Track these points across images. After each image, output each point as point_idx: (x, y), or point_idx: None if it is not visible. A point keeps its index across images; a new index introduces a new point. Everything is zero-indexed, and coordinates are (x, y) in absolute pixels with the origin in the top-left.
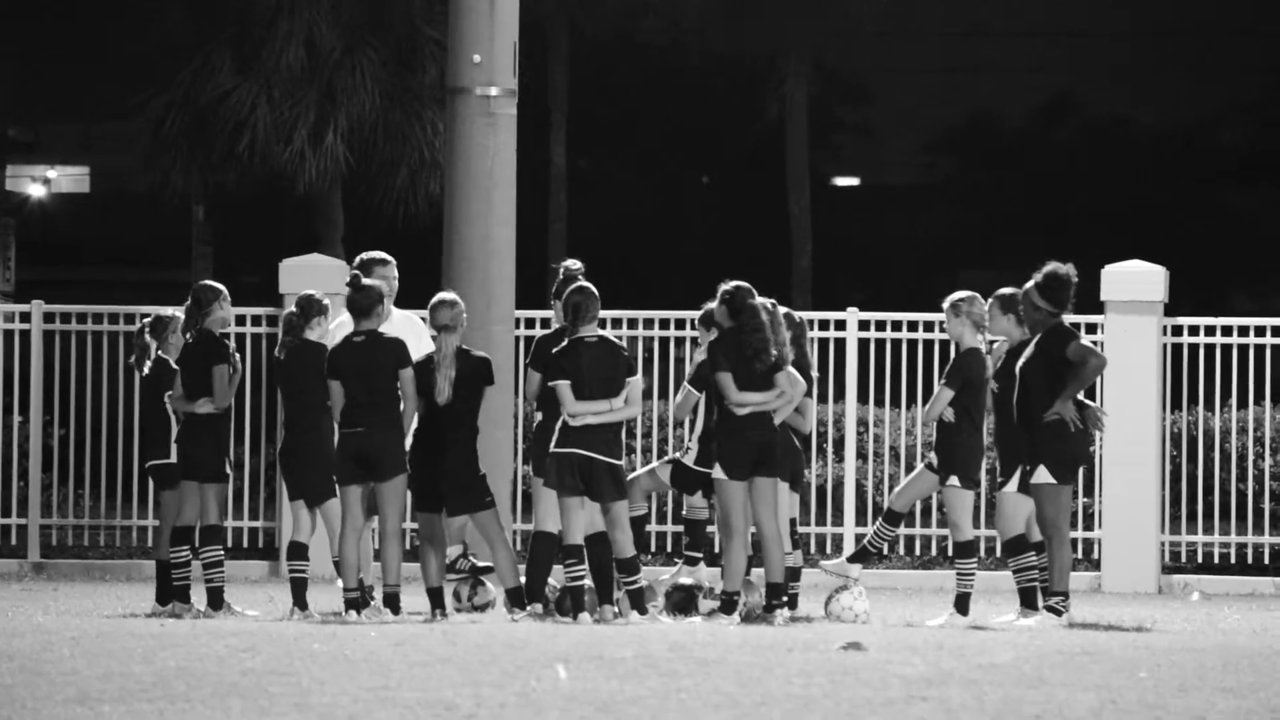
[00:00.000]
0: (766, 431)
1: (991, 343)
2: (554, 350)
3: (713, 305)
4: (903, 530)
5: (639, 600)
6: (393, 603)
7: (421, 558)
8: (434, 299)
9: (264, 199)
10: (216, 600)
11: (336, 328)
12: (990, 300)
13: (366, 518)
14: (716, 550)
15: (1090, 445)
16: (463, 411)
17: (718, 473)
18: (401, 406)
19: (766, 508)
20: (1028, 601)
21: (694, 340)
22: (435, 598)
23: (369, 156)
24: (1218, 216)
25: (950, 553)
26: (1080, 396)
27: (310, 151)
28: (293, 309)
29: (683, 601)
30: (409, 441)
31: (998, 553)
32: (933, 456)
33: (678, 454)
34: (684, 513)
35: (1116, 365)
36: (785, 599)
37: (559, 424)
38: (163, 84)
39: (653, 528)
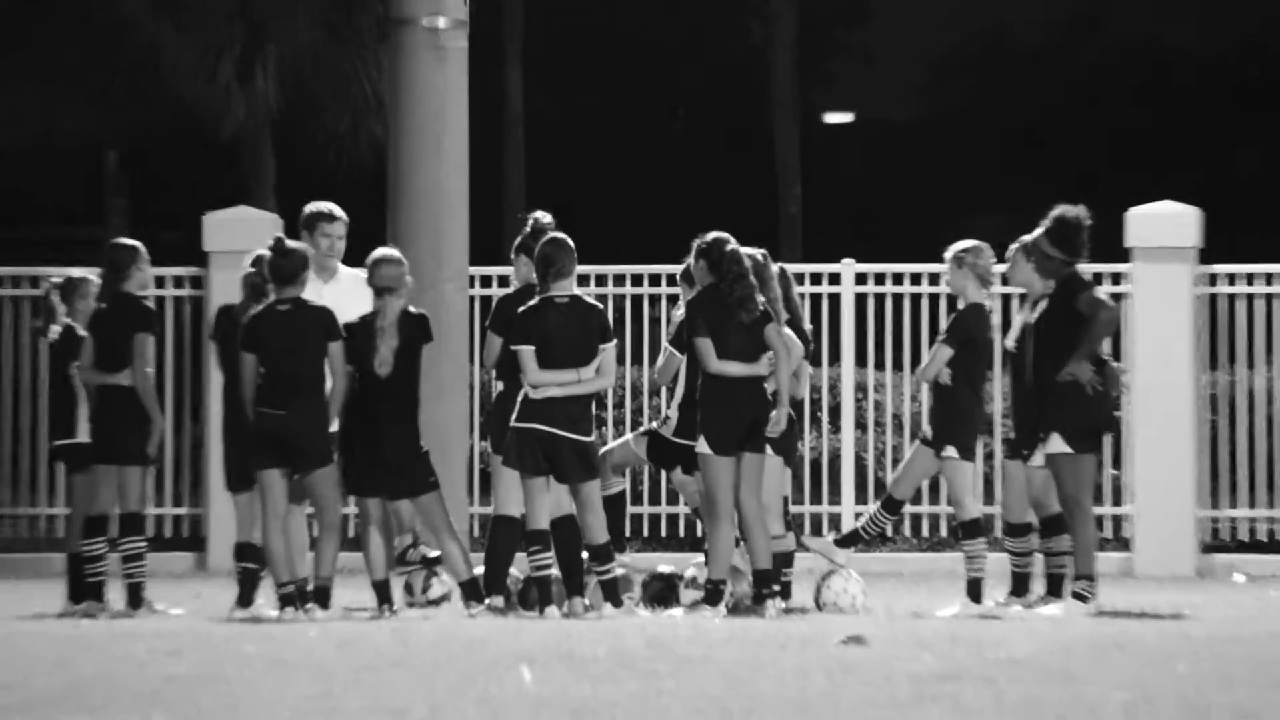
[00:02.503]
0: (758, 402)
1: (1013, 298)
2: (519, 310)
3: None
4: (908, 508)
5: (613, 591)
6: (322, 597)
7: (364, 548)
8: (372, 256)
9: (185, 145)
10: (136, 598)
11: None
12: (1014, 247)
13: (296, 502)
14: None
15: (1113, 409)
16: (402, 382)
17: (702, 447)
18: (328, 387)
19: (750, 486)
20: (1054, 589)
21: (671, 298)
22: (382, 592)
23: (303, 97)
24: (1259, 151)
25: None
26: (1105, 354)
27: (237, 91)
28: (253, 269)
29: (662, 592)
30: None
31: (998, 531)
32: (928, 428)
33: (654, 424)
34: (686, 505)
35: (1146, 319)
36: (776, 588)
37: (521, 395)
38: (60, 12)
39: (629, 509)
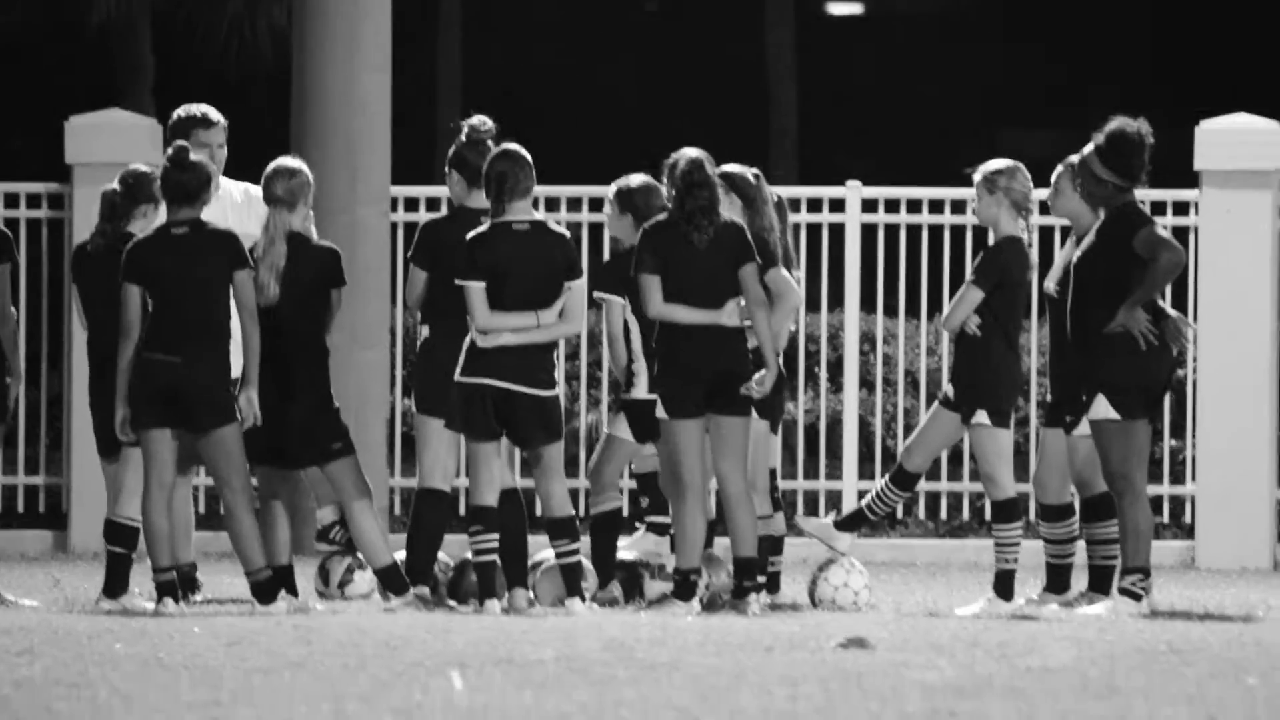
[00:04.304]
0: (727, 353)
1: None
2: (468, 238)
3: (635, 179)
4: (923, 484)
5: (575, 580)
6: (265, 590)
7: (262, 526)
8: (270, 166)
9: (43, 35)
10: None
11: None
12: (1059, 170)
13: (182, 471)
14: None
15: (1173, 368)
16: (300, 324)
17: (659, 410)
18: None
19: (731, 457)
20: (1099, 584)
21: None
22: (283, 580)
23: None
24: None
25: (987, 515)
26: (1163, 302)
27: None
28: (115, 186)
29: (624, 583)
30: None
31: (1033, 514)
32: (949, 388)
33: (624, 392)
34: (632, 465)
35: (1215, 258)
36: (762, 579)
37: (466, 344)
38: None
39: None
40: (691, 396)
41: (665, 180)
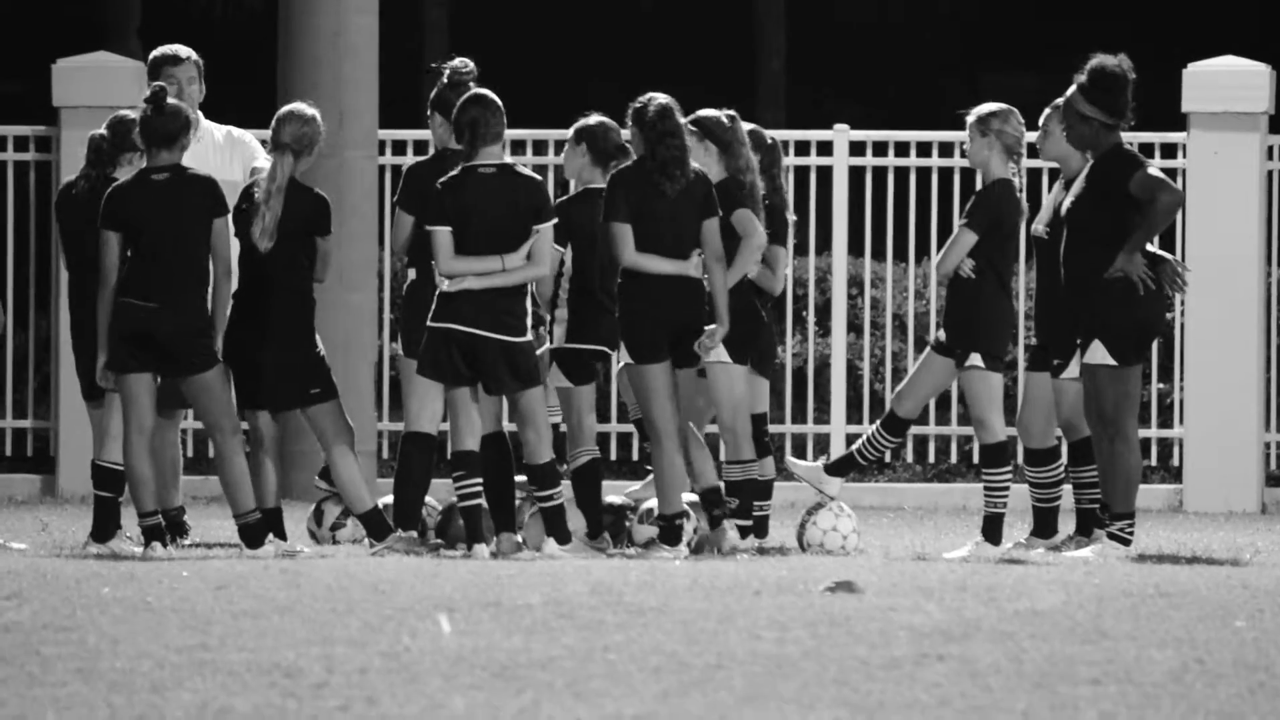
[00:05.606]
0: (690, 306)
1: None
2: (438, 183)
3: (591, 119)
4: (911, 428)
5: (558, 524)
6: (253, 534)
7: (251, 468)
8: (283, 109)
9: None
10: None
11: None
12: (1048, 111)
13: (165, 414)
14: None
15: (1166, 312)
16: (284, 270)
17: (624, 355)
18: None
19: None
20: (1085, 527)
21: None
22: (271, 523)
23: None
24: None
25: (976, 459)
26: (1152, 246)
27: None
28: (103, 131)
29: (610, 528)
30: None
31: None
32: (940, 333)
33: (550, 342)
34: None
35: (1202, 202)
36: (731, 505)
37: (437, 289)
38: None
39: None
40: (657, 342)
41: (631, 123)
